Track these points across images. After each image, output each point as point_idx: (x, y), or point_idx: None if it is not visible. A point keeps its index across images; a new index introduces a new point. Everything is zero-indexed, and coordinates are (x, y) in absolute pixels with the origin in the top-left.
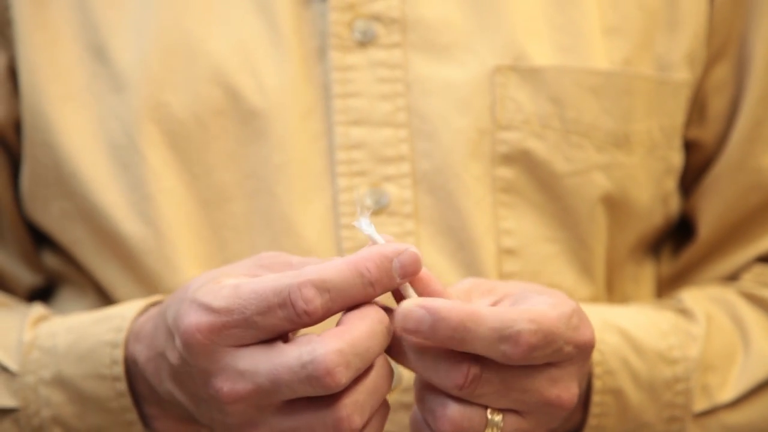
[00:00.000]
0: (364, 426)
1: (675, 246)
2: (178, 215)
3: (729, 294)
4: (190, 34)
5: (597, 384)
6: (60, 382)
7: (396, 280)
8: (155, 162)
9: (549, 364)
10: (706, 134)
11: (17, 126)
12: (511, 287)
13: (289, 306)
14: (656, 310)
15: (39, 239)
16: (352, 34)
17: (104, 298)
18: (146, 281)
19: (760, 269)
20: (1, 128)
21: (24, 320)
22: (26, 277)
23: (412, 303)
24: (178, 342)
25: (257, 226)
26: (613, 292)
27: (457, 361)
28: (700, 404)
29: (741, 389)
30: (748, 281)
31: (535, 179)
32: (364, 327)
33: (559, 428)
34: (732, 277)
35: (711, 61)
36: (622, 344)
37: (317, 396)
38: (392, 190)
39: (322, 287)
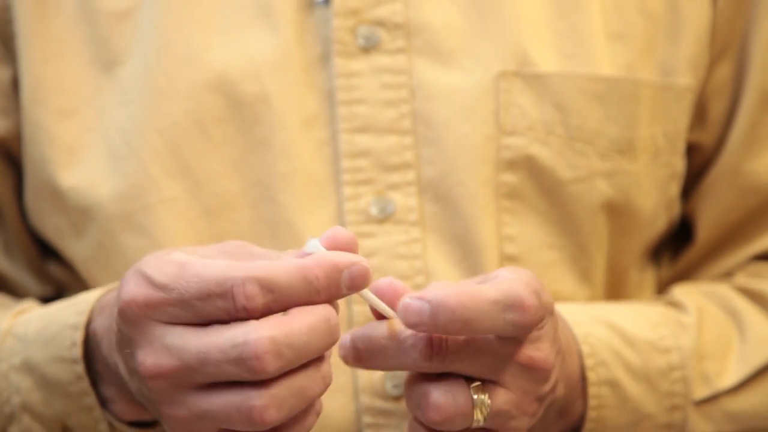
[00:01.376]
0: (283, 426)
1: (674, 250)
2: (179, 225)
3: (721, 288)
4: (193, 43)
5: (591, 376)
6: (28, 367)
7: (343, 291)
8: (156, 171)
9: None
10: (706, 137)
11: (20, 139)
12: (475, 281)
13: (229, 298)
14: (645, 304)
15: (45, 250)
16: (355, 40)
17: None
18: None
19: (753, 267)
20: (6, 141)
21: (10, 312)
22: (35, 288)
23: (409, 296)
24: (116, 309)
25: (262, 235)
26: (617, 298)
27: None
28: (700, 392)
29: (742, 375)
30: (741, 277)
31: (539, 185)
32: (305, 321)
33: (560, 422)
34: (726, 275)
35: (712, 64)
36: (612, 337)
37: (241, 383)
38: (397, 198)
39: (266, 286)
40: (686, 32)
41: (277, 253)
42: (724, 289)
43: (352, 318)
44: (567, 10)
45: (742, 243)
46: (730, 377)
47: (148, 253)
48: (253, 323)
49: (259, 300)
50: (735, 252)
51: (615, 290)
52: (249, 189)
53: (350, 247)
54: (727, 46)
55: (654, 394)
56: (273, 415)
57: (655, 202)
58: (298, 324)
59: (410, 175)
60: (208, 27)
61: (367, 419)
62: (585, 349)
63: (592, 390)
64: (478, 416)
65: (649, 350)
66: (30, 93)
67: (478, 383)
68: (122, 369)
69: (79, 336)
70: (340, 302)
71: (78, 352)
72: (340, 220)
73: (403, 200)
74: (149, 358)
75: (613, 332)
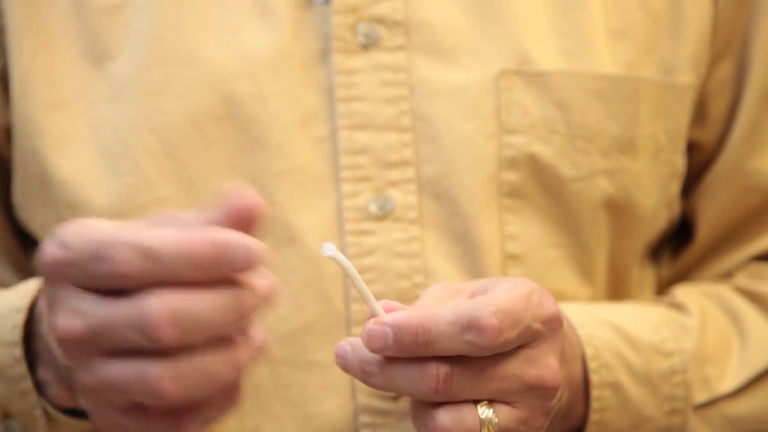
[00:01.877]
0: (191, 408)
1: (674, 248)
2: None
3: (723, 289)
4: (189, 41)
5: (594, 378)
6: None
7: (223, 271)
8: (150, 170)
9: (520, 347)
10: (706, 136)
11: (9, 133)
12: (476, 284)
13: (108, 261)
14: (648, 306)
15: (27, 244)
16: (355, 37)
17: None
18: None
19: (754, 267)
20: None
21: None
22: (16, 283)
23: (370, 323)
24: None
25: (258, 235)
26: (619, 297)
27: (423, 366)
28: (700, 396)
29: (741, 380)
30: (741, 277)
31: (540, 184)
32: (208, 296)
33: (562, 425)
34: (726, 275)
35: (713, 62)
36: (615, 338)
37: (144, 353)
38: (397, 196)
39: (145, 254)
40: (688, 30)
41: (193, 216)
42: (725, 290)
43: (351, 317)
44: (568, 8)
45: (743, 242)
46: (729, 382)
47: None
48: (156, 292)
49: (136, 267)
50: (735, 251)
51: (617, 289)
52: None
53: None
54: (728, 43)
55: (655, 397)
56: (170, 388)
57: (656, 200)
58: (201, 298)
59: (409, 173)
60: (204, 24)
61: (364, 419)
62: (589, 351)
63: (595, 392)
64: None
65: (651, 353)
66: (19, 85)
67: (485, 402)
68: (50, 340)
69: (20, 318)
70: (338, 301)
71: (18, 334)
72: (339, 218)
73: (403, 198)
74: (62, 320)
75: (617, 334)
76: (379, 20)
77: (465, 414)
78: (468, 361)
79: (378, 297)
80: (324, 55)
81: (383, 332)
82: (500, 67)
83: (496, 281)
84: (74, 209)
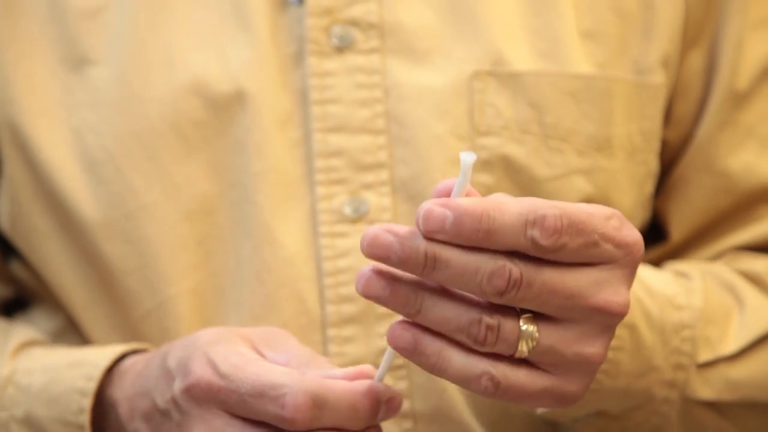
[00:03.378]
0: None
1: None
2: (159, 231)
3: (714, 266)
4: (168, 46)
5: None
6: (29, 422)
7: (375, 421)
8: (134, 177)
9: (592, 265)
10: (672, 134)
11: None
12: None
13: (279, 404)
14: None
15: (8, 249)
16: (329, 40)
17: (72, 318)
18: (120, 303)
19: (732, 254)
20: None
21: (4, 348)
22: None
23: (431, 203)
24: (179, 384)
25: (239, 236)
26: None
27: (496, 262)
28: (703, 355)
29: (741, 343)
30: (724, 262)
31: (515, 185)
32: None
33: None
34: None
35: (681, 60)
36: (635, 282)
37: None
38: (371, 198)
39: (317, 402)
40: (660, 30)
41: (309, 351)
42: (718, 267)
43: (326, 318)
44: (540, 9)
45: (717, 239)
46: (730, 344)
47: (133, 261)
48: None
49: (307, 413)
50: (709, 247)
51: None
52: (228, 191)
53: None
54: (695, 42)
55: (665, 347)
56: None
57: (633, 200)
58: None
59: (384, 175)
60: (184, 29)
61: None
62: None
63: None
64: (523, 348)
65: (665, 303)
66: (3, 94)
67: (528, 314)
68: None
69: (87, 403)
70: (313, 302)
71: (85, 419)
72: (314, 220)
73: (377, 200)
74: None
75: (635, 279)
76: (354, 23)
77: (506, 320)
78: (537, 265)
79: (352, 299)
80: (299, 57)
81: (442, 213)
82: (473, 69)
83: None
84: (66, 217)
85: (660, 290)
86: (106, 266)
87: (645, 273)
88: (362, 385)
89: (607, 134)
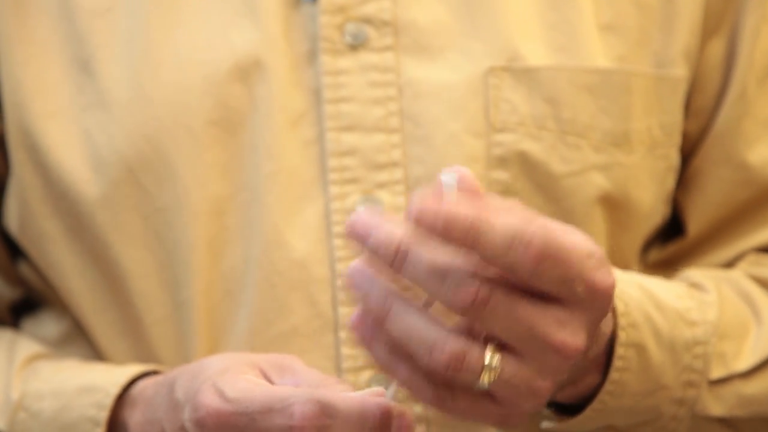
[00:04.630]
0: None
1: (663, 236)
2: (172, 233)
3: (734, 273)
4: (180, 46)
5: (621, 336)
6: None
7: None
8: (147, 180)
9: (557, 302)
10: (690, 126)
11: (2, 144)
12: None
13: (287, 415)
14: (668, 280)
15: (14, 251)
16: (343, 38)
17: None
18: (132, 307)
19: (753, 256)
20: None
21: (11, 366)
22: (6, 292)
23: (426, 197)
24: (188, 415)
25: (248, 238)
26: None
27: (466, 275)
28: (716, 372)
29: (756, 359)
30: (745, 266)
31: (532, 181)
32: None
33: (572, 390)
34: (726, 266)
35: (700, 51)
36: (644, 299)
37: None
38: (385, 197)
39: (326, 411)
40: (680, 22)
41: (320, 374)
42: (735, 274)
43: (338, 320)
44: (558, 2)
45: (736, 237)
46: (745, 360)
47: (148, 266)
48: None
49: (316, 422)
50: (729, 245)
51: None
52: (238, 193)
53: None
54: (715, 34)
55: (675, 366)
56: None
57: (653, 195)
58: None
59: (398, 174)
60: (194, 27)
61: None
62: (620, 306)
63: (620, 350)
64: (484, 380)
65: (677, 319)
66: (12, 96)
67: (494, 345)
68: None
69: None
70: (326, 305)
71: None
72: (327, 220)
73: (391, 199)
74: None
75: (645, 295)
76: (368, 20)
77: (473, 349)
78: (505, 292)
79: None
80: (312, 55)
81: (434, 212)
82: (489, 65)
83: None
84: (79, 220)
85: (671, 305)
86: (117, 270)
87: (656, 287)
88: (373, 398)
89: (625, 129)
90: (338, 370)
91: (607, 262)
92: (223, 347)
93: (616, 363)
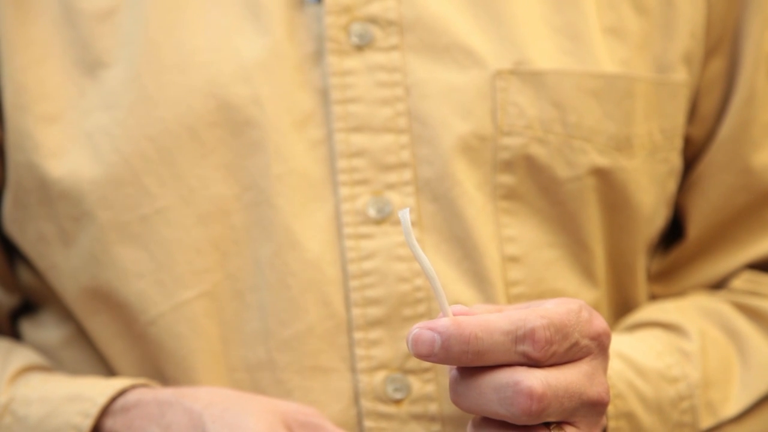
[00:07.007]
0: None
1: (665, 243)
2: (174, 234)
3: (720, 305)
4: (182, 47)
5: (610, 409)
6: None
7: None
8: (149, 181)
9: (575, 361)
10: (696, 131)
11: (1, 149)
12: (519, 305)
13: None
14: (646, 331)
15: (12, 256)
16: (348, 38)
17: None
18: (126, 308)
19: (749, 275)
20: None
21: (3, 374)
22: (4, 300)
23: (418, 326)
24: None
25: (258, 239)
26: (624, 298)
27: (515, 381)
28: (706, 421)
29: (744, 404)
30: (737, 289)
31: (537, 185)
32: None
33: None
34: (720, 284)
35: (706, 58)
36: (624, 368)
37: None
38: (395, 198)
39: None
40: (681, 27)
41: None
42: (723, 307)
43: (352, 321)
44: (563, 6)
45: (734, 246)
46: (733, 406)
47: (146, 265)
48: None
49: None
50: (727, 255)
51: (621, 289)
52: (243, 193)
53: None
54: (720, 40)
55: (665, 425)
56: None
57: (654, 199)
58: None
59: (407, 175)
60: (197, 29)
61: (368, 423)
62: None
63: (611, 423)
64: None
65: (659, 380)
66: (13, 99)
67: (555, 423)
68: None
69: None
70: (339, 305)
71: None
72: (337, 221)
73: (401, 200)
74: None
75: (625, 363)
76: (373, 20)
77: None
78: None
79: (378, 301)
80: (318, 56)
81: (431, 338)
82: (496, 67)
83: (542, 302)
84: (77, 222)
85: (651, 366)
86: (117, 270)
87: (635, 351)
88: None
89: (627, 133)
90: (353, 371)
91: (591, 308)
92: (234, 349)
93: None
